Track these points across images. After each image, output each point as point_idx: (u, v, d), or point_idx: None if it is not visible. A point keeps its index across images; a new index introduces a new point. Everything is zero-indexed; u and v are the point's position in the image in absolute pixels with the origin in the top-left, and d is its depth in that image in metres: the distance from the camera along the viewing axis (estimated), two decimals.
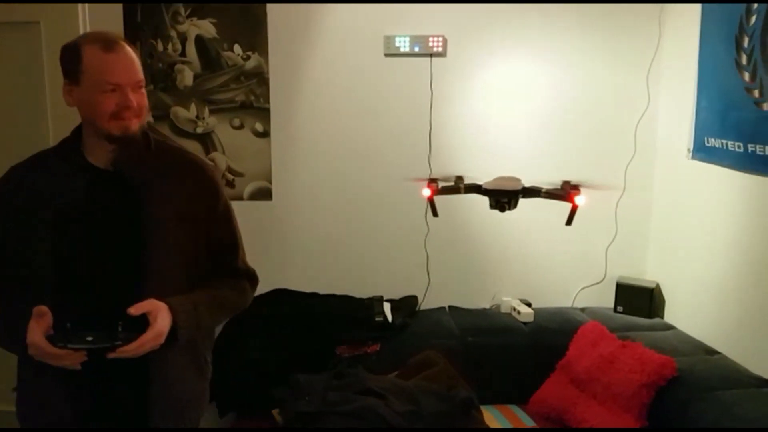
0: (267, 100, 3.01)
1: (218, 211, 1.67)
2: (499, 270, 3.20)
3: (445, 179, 2.55)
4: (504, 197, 2.37)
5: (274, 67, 3.00)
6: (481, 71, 3.08)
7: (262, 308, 2.85)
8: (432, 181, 2.52)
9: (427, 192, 2.47)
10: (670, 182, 3.06)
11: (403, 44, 2.96)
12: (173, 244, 1.55)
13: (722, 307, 2.62)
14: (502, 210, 2.38)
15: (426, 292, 3.16)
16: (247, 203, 3.07)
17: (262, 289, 2.90)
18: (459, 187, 2.47)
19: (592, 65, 3.08)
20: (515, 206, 2.42)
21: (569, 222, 2.45)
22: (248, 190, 3.10)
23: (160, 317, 1.42)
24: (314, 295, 3.09)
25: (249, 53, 2.99)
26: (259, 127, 3.05)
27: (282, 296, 3.04)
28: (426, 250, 3.14)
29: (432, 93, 3.06)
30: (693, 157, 2.81)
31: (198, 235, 1.62)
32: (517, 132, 3.20)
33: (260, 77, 3.02)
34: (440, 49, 3.00)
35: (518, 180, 2.44)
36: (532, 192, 2.43)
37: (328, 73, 3.03)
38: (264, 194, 3.09)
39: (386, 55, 3.00)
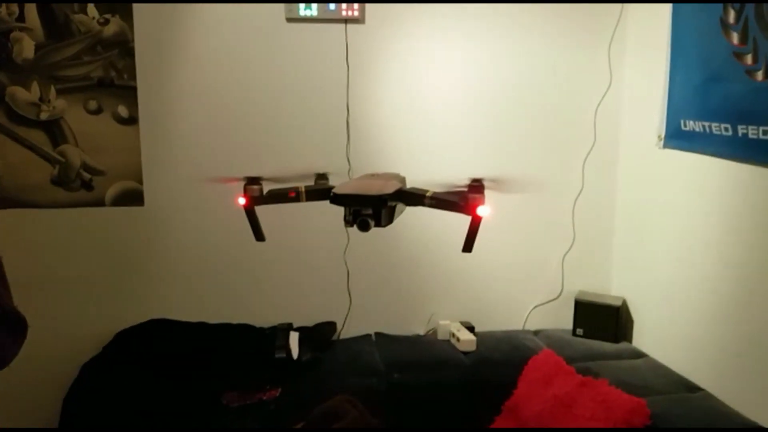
0: (133, 77, 2.67)
1: None
2: (436, 287, 2.97)
3: (285, 179, 1.88)
4: (365, 206, 1.62)
5: (141, 34, 2.65)
6: (409, 41, 2.80)
7: (130, 345, 2.61)
8: (252, 182, 1.81)
9: (242, 201, 1.80)
10: (637, 177, 2.87)
11: (308, 7, 2.65)
12: None
13: (703, 330, 2.42)
14: (364, 228, 1.61)
15: (347, 316, 2.91)
16: (110, 210, 2.71)
17: (132, 319, 2.67)
18: (297, 191, 1.76)
19: (541, 38, 2.86)
20: (387, 221, 1.65)
21: (467, 247, 1.75)
22: (111, 193, 2.73)
23: None
24: (201, 325, 2.76)
25: (107, 16, 2.62)
26: (122, 111, 2.69)
27: (158, 329, 2.72)
28: (346, 265, 2.87)
29: (348, 68, 2.75)
30: (665, 146, 2.59)
31: None
32: (454, 118, 2.90)
33: (123, 47, 2.65)
34: (356, 13, 2.69)
35: (393, 179, 1.74)
36: (409, 198, 1.70)
37: (212, 41, 2.70)
38: (133, 198, 2.74)
39: (288, 20, 2.68)
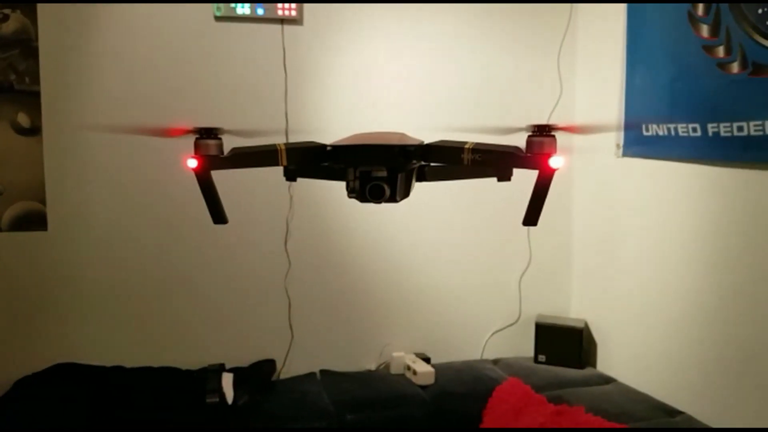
0: (36, 81, 2.51)
1: None
2: (388, 316, 2.90)
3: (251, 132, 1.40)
4: (378, 164, 1.24)
5: (46, 32, 2.51)
6: (352, 44, 2.74)
7: (32, 395, 2.40)
8: (207, 134, 1.27)
9: (192, 163, 1.27)
10: (594, 189, 2.85)
11: (241, 6, 2.54)
12: None
13: (679, 349, 2.39)
14: (377, 196, 1.24)
15: (288, 352, 2.78)
16: (8, 236, 2.53)
17: (34, 365, 2.49)
18: (273, 148, 1.26)
19: (488, 50, 2.87)
20: (403, 192, 1.28)
21: (531, 219, 1.27)
22: (9, 214, 2.55)
23: None
24: (117, 370, 2.59)
25: (6, 11, 2.48)
26: (23, 119, 2.53)
27: (65, 375, 2.52)
28: (287, 293, 2.76)
29: (286, 73, 2.66)
30: (625, 154, 2.59)
31: None
32: (401, 125, 2.72)
33: (25, 46, 2.50)
34: (293, 13, 2.60)
35: (404, 134, 1.36)
36: (441, 153, 1.28)
37: (129, 40, 2.58)
38: (35, 221, 2.57)
39: (217, 18, 2.58)
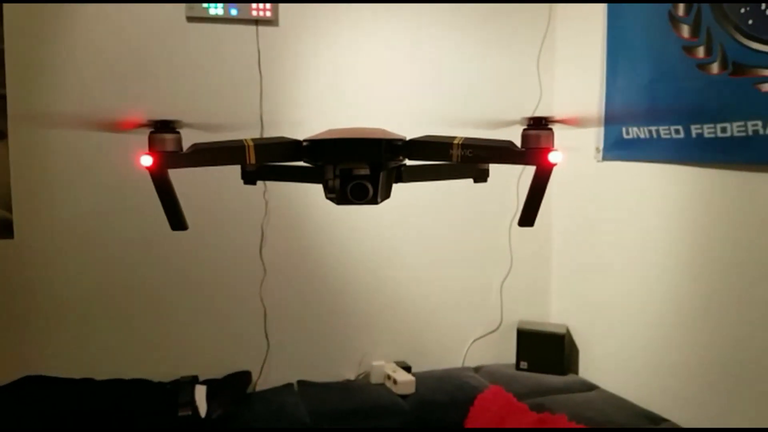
0: (2, 83, 2.43)
1: None
2: (367, 324, 2.86)
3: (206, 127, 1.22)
4: (361, 160, 1.15)
5: (12, 33, 2.43)
6: (330, 46, 2.70)
7: None
8: (163, 127, 1.11)
9: (147, 161, 1.11)
10: (574, 194, 2.83)
11: (213, 6, 2.49)
12: None
13: (662, 355, 2.36)
14: (360, 196, 1.15)
15: (264, 362, 2.73)
16: None
17: (1, 378, 2.41)
18: (240, 144, 1.13)
19: (464, 51, 2.84)
20: (385, 193, 1.20)
21: (527, 219, 1.22)
22: None
23: None
24: (86, 382, 2.53)
25: None
26: None
27: (33, 388, 2.47)
28: (262, 302, 2.71)
29: (261, 76, 2.61)
30: (604, 158, 2.57)
31: None
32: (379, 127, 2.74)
33: None
34: (268, 14, 2.55)
35: (383, 130, 1.25)
36: (428, 149, 1.17)
37: (98, 41, 2.50)
38: (0, 228, 2.48)
39: (189, 19, 2.52)
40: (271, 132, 2.70)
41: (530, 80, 2.89)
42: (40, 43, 2.46)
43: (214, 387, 2.52)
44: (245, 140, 1.12)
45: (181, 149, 1.11)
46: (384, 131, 1.18)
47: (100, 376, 2.53)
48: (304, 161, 1.17)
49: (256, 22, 2.56)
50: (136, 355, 2.60)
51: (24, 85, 2.44)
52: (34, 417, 2.29)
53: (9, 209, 2.47)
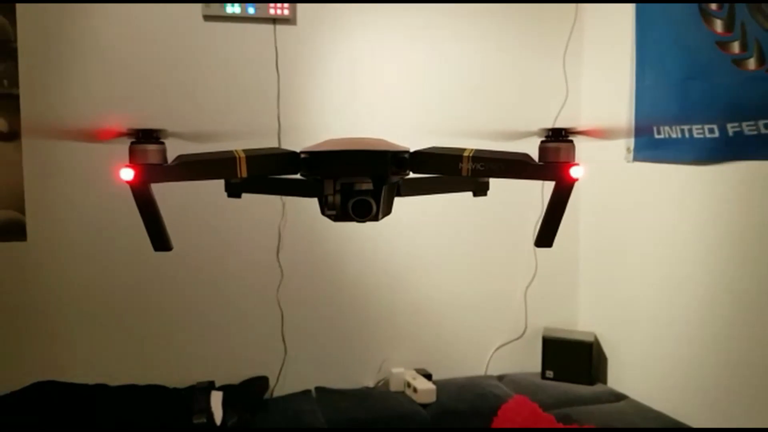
0: (15, 83, 2.44)
1: None
2: (387, 330, 2.86)
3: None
4: (364, 174, 1.08)
5: (26, 32, 2.44)
6: (348, 46, 2.69)
7: (8, 416, 2.31)
8: (145, 137, 1.05)
9: (128, 175, 1.06)
10: (603, 196, 2.80)
11: (230, 5, 2.49)
12: None
13: (690, 364, 2.34)
14: (363, 213, 1.07)
15: (282, 368, 2.72)
16: None
17: (11, 383, 2.43)
18: (231, 156, 1.06)
19: (487, 50, 2.82)
20: (387, 208, 1.15)
21: (545, 240, 1.16)
22: None
23: None
24: (100, 388, 2.52)
25: None
26: (1, 124, 2.47)
27: (45, 394, 2.45)
28: (280, 306, 2.70)
29: (279, 75, 2.59)
30: (635, 159, 2.54)
31: None
32: (400, 131, 2.74)
33: (3, 47, 2.43)
34: (286, 12, 2.53)
35: (383, 140, 1.18)
36: (437, 162, 1.12)
37: (113, 40, 2.51)
38: (12, 230, 2.52)
39: (206, 18, 2.52)
40: (289, 133, 2.70)
41: (556, 81, 2.86)
42: (54, 42, 2.47)
43: (230, 393, 2.51)
44: (236, 151, 1.05)
45: (166, 161, 1.04)
46: (385, 142, 1.12)
47: (114, 381, 2.53)
48: (301, 174, 1.10)
49: (274, 20, 2.55)
50: (151, 360, 2.61)
51: (37, 85, 2.45)
52: (45, 423, 2.29)
53: (22, 211, 2.49)
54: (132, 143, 1.03)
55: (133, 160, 1.03)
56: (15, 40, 2.42)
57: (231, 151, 1.04)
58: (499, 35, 2.81)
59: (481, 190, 1.37)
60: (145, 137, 1.02)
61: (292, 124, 2.62)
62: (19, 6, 2.38)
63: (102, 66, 2.49)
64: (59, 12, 2.45)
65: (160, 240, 1.10)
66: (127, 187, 1.06)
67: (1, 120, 2.43)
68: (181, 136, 1.06)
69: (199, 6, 2.48)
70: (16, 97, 2.44)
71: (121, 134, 1.03)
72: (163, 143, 1.05)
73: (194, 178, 1.06)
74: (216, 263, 2.63)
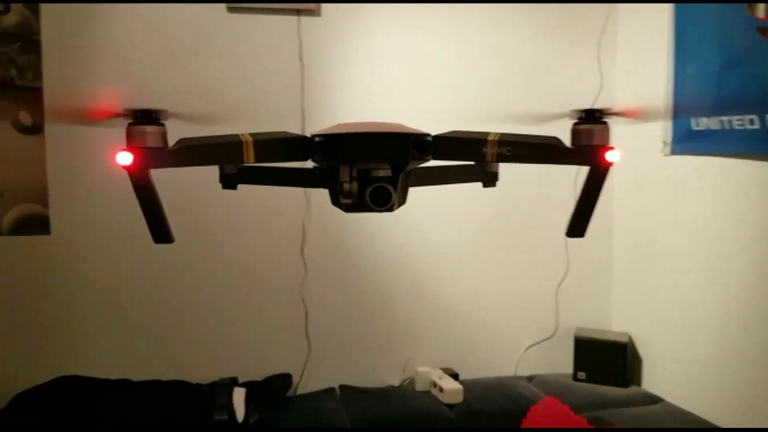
0: (38, 76, 2.45)
1: None
2: (412, 328, 2.84)
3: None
4: (382, 159, 1.01)
5: (49, 25, 2.45)
6: (372, 38, 2.68)
7: (32, 410, 2.34)
8: (144, 118, 0.98)
9: (125, 159, 0.97)
10: (639, 191, 2.75)
11: None
12: None
13: (728, 366, 2.29)
14: (382, 204, 0.99)
15: (305, 366, 2.72)
16: (8, 240, 2.49)
17: (35, 377, 2.45)
18: (236, 140, 0.99)
19: (517, 38, 2.79)
20: (402, 197, 1.06)
21: (578, 229, 1.10)
22: (9, 218, 2.51)
23: None
24: (122, 383, 2.53)
25: (7, 4, 2.43)
26: (24, 117, 2.48)
27: (68, 388, 2.46)
28: (304, 303, 2.70)
29: (303, 65, 2.60)
30: (673, 152, 2.48)
31: None
32: (424, 124, 2.68)
33: (27, 40, 2.46)
34: (310, 4, 2.54)
35: (400, 124, 1.09)
36: (459, 147, 1.04)
37: (136, 32, 2.51)
38: (36, 224, 2.53)
39: (230, 9, 2.52)
40: (312, 125, 2.68)
41: (590, 68, 2.81)
42: (77, 35, 2.48)
43: (252, 390, 2.50)
44: (242, 135, 0.98)
45: (166, 145, 0.97)
46: (402, 126, 1.05)
47: (136, 376, 2.54)
48: (313, 160, 1.03)
49: (298, 12, 2.54)
50: (174, 356, 2.61)
51: (60, 78, 2.46)
52: (67, 417, 2.31)
53: (45, 205, 2.50)
54: (129, 125, 0.96)
55: (130, 143, 0.96)
56: (38, 33, 2.44)
57: (237, 135, 0.97)
58: (531, 20, 2.77)
59: (490, 180, 1.31)
60: (143, 118, 0.96)
61: (315, 115, 2.60)
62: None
63: (125, 59, 2.49)
64: (82, 5, 2.46)
65: (160, 231, 1.05)
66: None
67: (24, 113, 2.45)
68: (186, 117, 0.99)
69: None
70: (40, 91, 2.45)
71: (117, 115, 0.96)
72: (162, 125, 0.98)
73: (197, 164, 0.99)
74: (240, 259, 2.63)
